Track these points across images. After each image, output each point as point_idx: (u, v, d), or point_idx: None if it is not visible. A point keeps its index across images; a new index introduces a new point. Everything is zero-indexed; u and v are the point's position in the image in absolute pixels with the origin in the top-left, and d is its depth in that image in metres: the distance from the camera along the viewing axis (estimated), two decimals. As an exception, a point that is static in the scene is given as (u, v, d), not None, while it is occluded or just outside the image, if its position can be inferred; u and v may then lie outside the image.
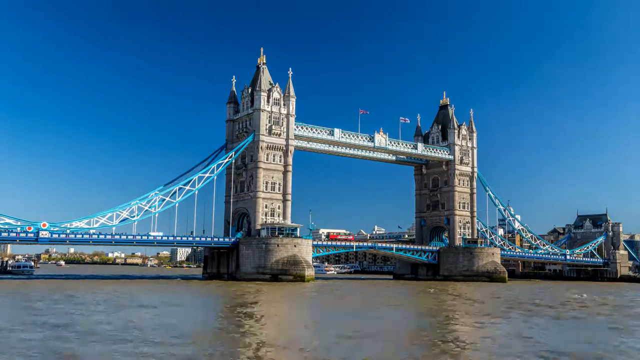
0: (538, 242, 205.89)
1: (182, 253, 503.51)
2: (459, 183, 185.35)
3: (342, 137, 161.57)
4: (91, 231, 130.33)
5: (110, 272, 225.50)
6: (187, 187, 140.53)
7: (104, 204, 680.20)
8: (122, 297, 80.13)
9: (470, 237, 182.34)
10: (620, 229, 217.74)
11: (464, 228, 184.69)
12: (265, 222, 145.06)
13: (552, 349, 37.16)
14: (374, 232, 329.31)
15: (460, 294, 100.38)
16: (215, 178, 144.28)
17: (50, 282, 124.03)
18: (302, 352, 35.11)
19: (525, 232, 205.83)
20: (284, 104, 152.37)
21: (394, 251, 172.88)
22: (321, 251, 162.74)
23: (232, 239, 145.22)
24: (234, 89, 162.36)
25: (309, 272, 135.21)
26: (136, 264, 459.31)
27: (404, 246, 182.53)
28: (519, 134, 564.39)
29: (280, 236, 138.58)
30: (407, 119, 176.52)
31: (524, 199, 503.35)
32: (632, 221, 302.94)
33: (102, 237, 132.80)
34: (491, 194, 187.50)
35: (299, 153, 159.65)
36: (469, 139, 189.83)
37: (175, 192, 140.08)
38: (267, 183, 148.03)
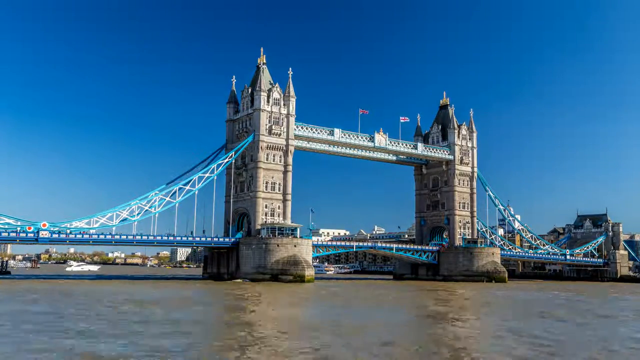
0: (538, 242, 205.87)
1: (182, 253, 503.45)
2: (459, 183, 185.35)
3: (342, 137, 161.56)
4: (91, 231, 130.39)
5: (113, 272, 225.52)
6: (187, 187, 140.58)
7: (104, 204, 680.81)
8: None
9: (470, 237, 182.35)
10: (620, 229, 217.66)
11: (464, 228, 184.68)
12: (265, 222, 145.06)
13: None
14: (374, 232, 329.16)
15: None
16: (215, 178, 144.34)
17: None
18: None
19: (525, 232, 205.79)
20: (284, 104, 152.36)
21: (394, 251, 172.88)
22: (321, 251, 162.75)
23: (232, 239, 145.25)
24: (234, 88, 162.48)
25: (309, 272, 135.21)
26: (136, 264, 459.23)
27: (404, 246, 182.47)
28: (519, 134, 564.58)
29: (280, 236, 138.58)
30: (407, 118, 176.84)
31: (524, 199, 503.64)
32: (632, 221, 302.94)
33: (102, 237, 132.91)
34: (491, 194, 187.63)
35: (299, 153, 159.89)
36: (469, 139, 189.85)
37: (175, 192, 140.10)
38: (267, 183, 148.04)
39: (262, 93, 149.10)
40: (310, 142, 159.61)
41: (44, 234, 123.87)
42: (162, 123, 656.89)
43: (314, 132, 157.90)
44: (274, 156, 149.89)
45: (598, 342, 42.25)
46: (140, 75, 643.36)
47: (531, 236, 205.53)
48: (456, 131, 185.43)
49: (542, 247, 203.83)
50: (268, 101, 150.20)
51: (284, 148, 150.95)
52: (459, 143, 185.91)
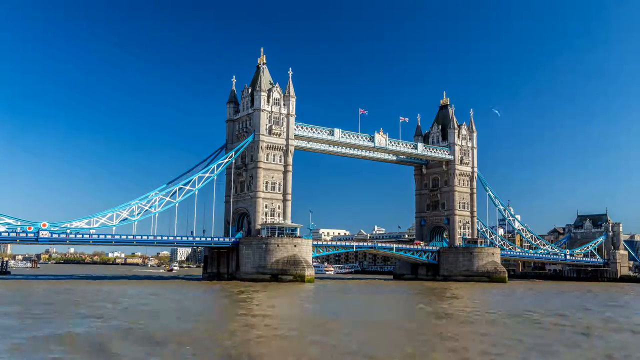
0: (538, 242, 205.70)
1: (182, 253, 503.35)
2: (459, 183, 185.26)
3: (342, 137, 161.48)
4: (91, 231, 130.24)
5: (112, 272, 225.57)
6: (187, 187, 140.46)
7: (104, 204, 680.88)
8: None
9: (470, 237, 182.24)
10: (620, 229, 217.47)
11: (464, 228, 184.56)
12: (265, 222, 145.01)
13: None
14: (374, 232, 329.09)
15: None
16: (215, 178, 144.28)
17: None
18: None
19: (525, 232, 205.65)
20: (284, 104, 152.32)
21: (394, 251, 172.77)
22: (321, 251, 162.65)
23: (232, 239, 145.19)
24: (234, 88, 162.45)
25: (309, 272, 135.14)
26: (136, 264, 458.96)
27: (404, 246, 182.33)
28: (519, 134, 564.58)
29: (280, 236, 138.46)
30: (406, 118, 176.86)
31: (524, 199, 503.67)
32: (632, 221, 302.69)
33: (102, 237, 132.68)
34: (491, 194, 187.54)
35: (299, 153, 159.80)
36: (469, 139, 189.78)
37: (175, 192, 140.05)
38: (267, 183, 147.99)
39: (262, 93, 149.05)
40: (310, 142, 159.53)
41: (44, 234, 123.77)
42: (163, 123, 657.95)
43: (314, 132, 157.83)
44: (274, 156, 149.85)
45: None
46: (140, 75, 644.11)
47: (531, 236, 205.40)
48: (456, 131, 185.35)
49: (542, 247, 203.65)
50: (268, 101, 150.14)
51: (284, 148, 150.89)
52: (459, 143, 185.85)
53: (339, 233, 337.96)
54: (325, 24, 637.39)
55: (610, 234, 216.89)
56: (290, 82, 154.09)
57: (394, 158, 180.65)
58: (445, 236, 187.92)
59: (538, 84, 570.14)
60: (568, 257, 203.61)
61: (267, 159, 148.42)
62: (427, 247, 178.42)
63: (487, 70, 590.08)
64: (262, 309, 65.20)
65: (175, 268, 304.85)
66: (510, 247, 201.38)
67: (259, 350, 35.43)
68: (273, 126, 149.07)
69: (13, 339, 37.08)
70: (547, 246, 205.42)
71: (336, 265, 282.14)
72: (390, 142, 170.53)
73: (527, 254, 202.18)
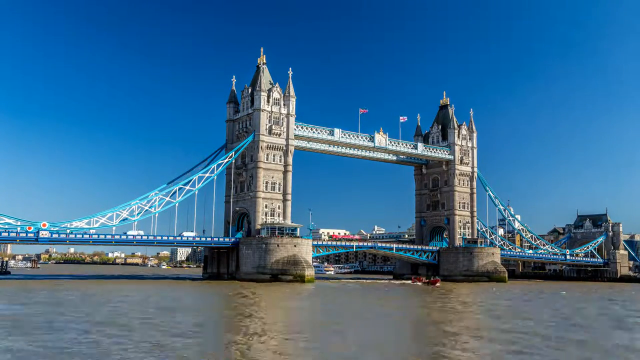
0: (538, 242, 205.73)
1: (182, 253, 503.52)
2: (459, 183, 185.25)
3: (342, 137, 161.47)
4: (91, 231, 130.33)
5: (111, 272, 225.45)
6: (187, 187, 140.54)
7: (104, 204, 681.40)
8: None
9: (470, 237, 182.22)
10: (620, 229, 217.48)
11: (464, 228, 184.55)
12: (265, 222, 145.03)
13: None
14: (374, 232, 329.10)
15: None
16: (215, 178, 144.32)
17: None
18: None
19: (525, 232, 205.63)
20: (284, 104, 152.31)
21: (394, 251, 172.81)
22: (321, 251, 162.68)
23: (232, 239, 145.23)
24: (234, 88, 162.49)
25: (309, 272, 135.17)
26: (136, 264, 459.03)
27: (404, 246, 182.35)
28: (519, 134, 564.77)
29: (280, 236, 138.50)
30: (405, 117, 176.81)
31: (524, 199, 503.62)
32: (632, 221, 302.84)
33: (102, 237, 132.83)
34: (491, 194, 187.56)
35: (299, 153, 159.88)
36: (469, 139, 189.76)
37: (175, 192, 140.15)
38: (267, 183, 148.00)
39: (262, 93, 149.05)
40: (310, 142, 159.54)
41: (44, 234, 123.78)
42: (163, 123, 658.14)
43: (314, 132, 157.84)
44: (274, 156, 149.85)
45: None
46: (141, 75, 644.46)
47: (531, 236, 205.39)
48: (456, 131, 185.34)
49: (542, 247, 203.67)
50: (268, 101, 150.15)
51: (284, 148, 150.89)
52: (459, 143, 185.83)
53: (339, 233, 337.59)
54: (325, 24, 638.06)
55: (610, 234, 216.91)
56: (290, 82, 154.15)
57: (394, 158, 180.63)
58: (445, 236, 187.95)
59: (538, 84, 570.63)
60: (568, 257, 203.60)
61: (267, 159, 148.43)
62: (427, 247, 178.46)
63: (487, 70, 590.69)
64: (259, 311, 65.20)
65: (164, 267, 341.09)
66: (510, 247, 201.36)
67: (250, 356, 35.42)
68: (273, 126, 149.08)
69: None
70: (547, 246, 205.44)
71: (336, 265, 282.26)
72: (390, 142, 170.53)
73: (527, 254, 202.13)
